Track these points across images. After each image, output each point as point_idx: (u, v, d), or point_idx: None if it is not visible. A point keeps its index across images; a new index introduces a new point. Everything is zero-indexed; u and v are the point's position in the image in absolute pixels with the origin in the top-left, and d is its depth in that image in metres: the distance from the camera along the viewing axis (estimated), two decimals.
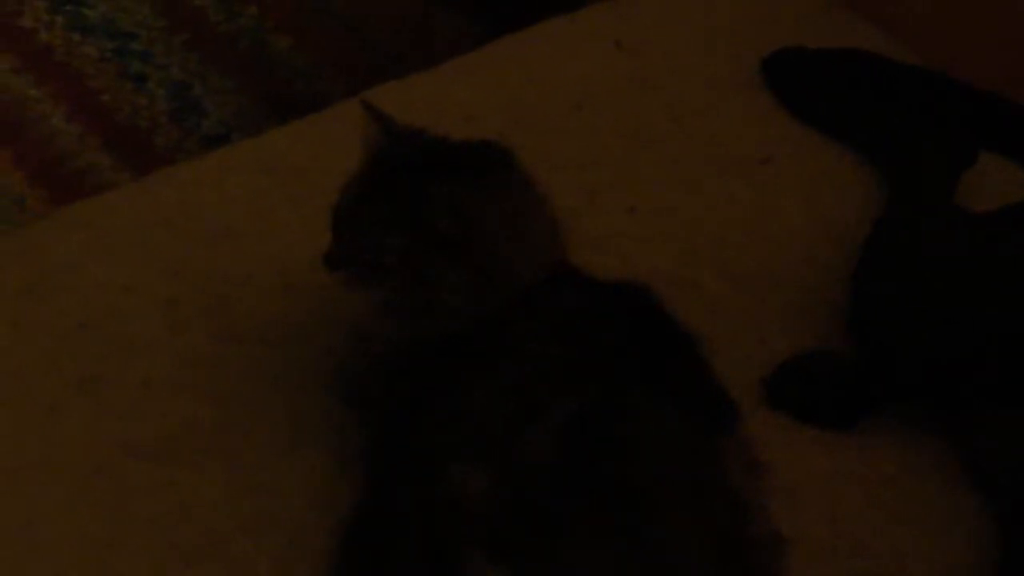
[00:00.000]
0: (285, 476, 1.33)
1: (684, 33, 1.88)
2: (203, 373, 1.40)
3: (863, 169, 1.76)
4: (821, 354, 1.54)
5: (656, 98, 1.79)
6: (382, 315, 1.32)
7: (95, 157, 2.19)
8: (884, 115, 1.79)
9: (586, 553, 1.16)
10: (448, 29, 2.39)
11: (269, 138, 1.70)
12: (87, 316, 1.44)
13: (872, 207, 1.69)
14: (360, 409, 1.34)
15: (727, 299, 1.58)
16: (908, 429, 1.50)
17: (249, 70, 2.33)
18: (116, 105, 2.27)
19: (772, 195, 1.71)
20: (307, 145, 1.67)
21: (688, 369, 1.30)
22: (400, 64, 2.21)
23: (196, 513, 1.30)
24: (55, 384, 1.38)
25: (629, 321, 1.31)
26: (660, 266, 1.58)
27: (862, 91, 1.82)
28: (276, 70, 2.34)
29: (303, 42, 2.37)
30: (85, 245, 1.51)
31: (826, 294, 1.59)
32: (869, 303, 1.53)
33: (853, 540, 1.40)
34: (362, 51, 2.36)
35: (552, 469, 1.17)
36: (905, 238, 1.58)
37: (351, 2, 2.44)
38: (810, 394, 1.50)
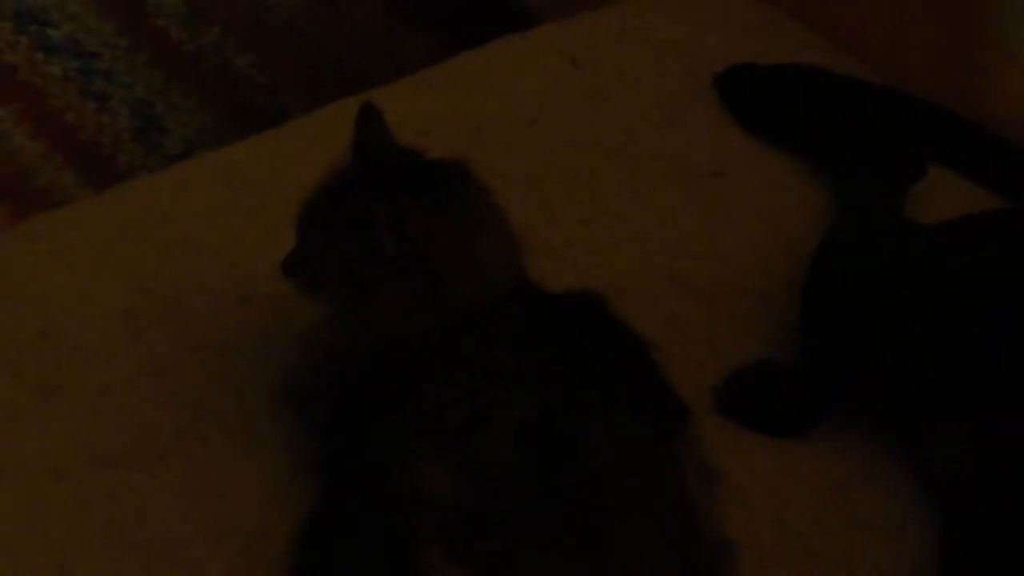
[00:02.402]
0: (241, 481, 1.34)
1: (637, 50, 1.89)
2: (161, 381, 1.41)
3: (814, 182, 1.77)
4: (771, 363, 1.55)
5: (610, 113, 1.80)
6: (328, 325, 1.34)
7: (58, 175, 2.20)
8: (834, 128, 1.81)
9: (542, 553, 1.18)
10: (410, 45, 2.41)
11: (229, 152, 1.71)
12: (47, 325, 1.45)
13: (823, 219, 1.71)
14: (304, 416, 1.36)
15: (679, 308, 1.59)
16: (858, 435, 1.52)
17: (211, 88, 2.34)
18: (79, 123, 2.28)
19: (725, 207, 1.73)
20: (267, 159, 1.68)
21: (641, 374, 1.31)
22: (361, 80, 2.23)
23: (153, 517, 1.31)
24: (15, 392, 1.39)
25: (583, 328, 1.32)
26: (614, 277, 1.59)
27: (813, 105, 1.84)
28: (239, 87, 2.35)
29: (265, 60, 2.38)
30: (46, 256, 1.52)
31: (777, 304, 1.61)
32: (818, 313, 1.55)
33: (803, 545, 1.41)
34: (324, 68, 2.38)
35: (510, 470, 1.19)
36: (853, 249, 1.60)
37: (313, 19, 2.46)
38: (760, 402, 1.52)
